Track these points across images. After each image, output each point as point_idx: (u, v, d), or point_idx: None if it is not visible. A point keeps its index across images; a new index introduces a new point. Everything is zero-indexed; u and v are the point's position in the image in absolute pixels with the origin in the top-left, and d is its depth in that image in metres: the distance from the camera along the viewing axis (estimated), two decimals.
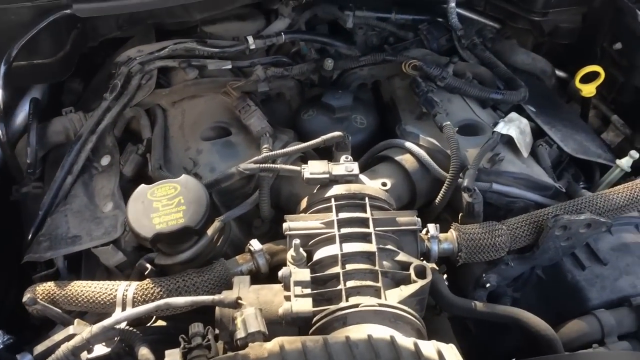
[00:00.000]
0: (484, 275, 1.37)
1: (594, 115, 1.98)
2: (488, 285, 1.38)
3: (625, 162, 1.52)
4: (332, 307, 1.08)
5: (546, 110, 1.74)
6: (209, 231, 1.30)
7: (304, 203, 1.36)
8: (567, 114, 1.80)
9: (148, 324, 1.28)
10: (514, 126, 1.51)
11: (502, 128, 1.49)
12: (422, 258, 1.32)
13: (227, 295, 1.12)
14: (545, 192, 1.46)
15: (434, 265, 1.36)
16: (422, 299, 1.20)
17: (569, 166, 1.66)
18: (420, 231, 1.30)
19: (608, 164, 1.60)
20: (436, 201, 1.43)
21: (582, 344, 1.27)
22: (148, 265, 1.27)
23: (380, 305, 1.08)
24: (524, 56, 1.87)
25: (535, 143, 1.58)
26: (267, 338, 1.04)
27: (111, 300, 1.21)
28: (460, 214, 1.40)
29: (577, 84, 1.76)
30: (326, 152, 1.44)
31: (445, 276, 1.40)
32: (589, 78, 1.78)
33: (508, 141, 1.50)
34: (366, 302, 1.08)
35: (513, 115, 1.59)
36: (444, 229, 1.35)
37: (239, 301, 1.10)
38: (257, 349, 0.98)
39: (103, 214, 1.39)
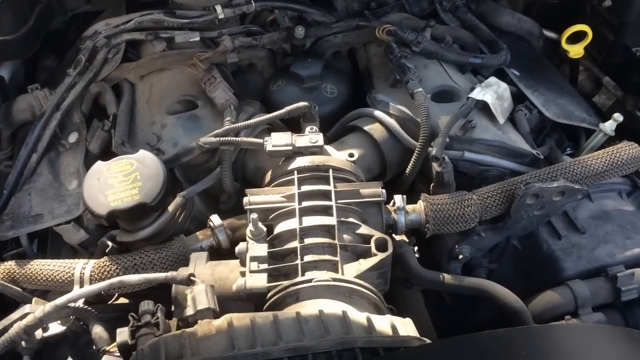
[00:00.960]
0: (456, 246, 1.33)
1: (586, 77, 1.90)
2: (461, 256, 1.33)
3: (608, 126, 1.45)
4: (285, 283, 1.05)
5: (530, 74, 1.67)
6: (170, 207, 1.27)
7: (267, 176, 1.32)
8: (553, 77, 1.72)
9: (109, 302, 1.26)
10: (491, 91, 1.45)
11: (477, 93, 1.43)
12: (390, 231, 1.29)
13: (180, 272, 1.10)
14: (522, 159, 1.40)
15: (404, 237, 1.32)
16: (385, 272, 1.17)
17: (553, 132, 1.59)
18: (386, 203, 1.26)
19: (593, 129, 1.53)
20: (406, 171, 1.38)
21: (554, 316, 1.23)
22: (109, 243, 1.25)
23: (334, 279, 1.05)
24: (509, 17, 1.79)
25: (514, 108, 1.51)
26: (217, 315, 1.02)
27: (69, 279, 1.20)
28: (432, 184, 1.35)
29: (564, 45, 1.68)
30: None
31: (416, 248, 1.36)
32: (577, 38, 1.70)
33: (484, 107, 1.44)
34: (320, 276, 1.05)
35: (491, 80, 1.52)
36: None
37: (192, 278, 1.08)
38: (205, 326, 0.96)
39: (68, 191, 1.38)
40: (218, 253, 1.25)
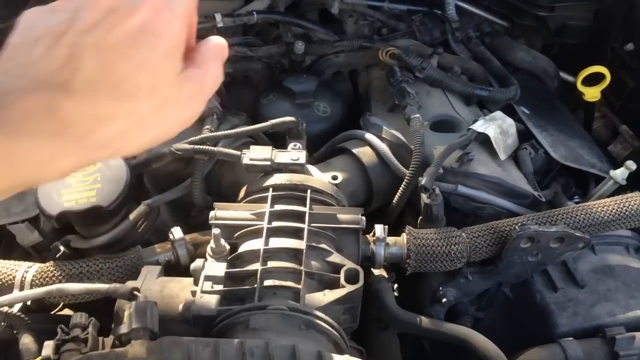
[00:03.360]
0: (441, 288, 1.21)
1: (602, 125, 1.78)
2: (445, 300, 1.21)
3: (619, 174, 1.33)
4: (236, 308, 0.94)
5: (541, 113, 1.56)
6: (132, 215, 1.18)
7: (242, 192, 1.22)
8: (566, 119, 1.61)
9: (53, 312, 1.16)
10: (495, 125, 1.34)
11: (479, 126, 1.32)
12: (369, 264, 1.17)
13: (124, 285, 0.99)
14: (521, 200, 1.28)
15: (384, 272, 1.21)
16: (353, 307, 1.05)
17: (560, 176, 1.47)
18: (366, 232, 1.15)
19: (603, 176, 1.41)
20: (394, 201, 1.27)
21: None
22: (62, 248, 1.15)
23: (291, 309, 0.93)
24: (524, 53, 1.69)
25: (519, 146, 1.40)
26: (155, 336, 0.91)
27: (11, 282, 1.10)
28: (420, 217, 1.24)
29: (580, 86, 1.57)
30: None
31: (396, 286, 1.24)
32: (594, 81, 1.59)
33: (485, 141, 1.33)
34: (276, 304, 0.94)
35: (497, 114, 1.42)
36: None
37: (134, 292, 0.98)
38: (137, 347, 0.86)
39: (30, 189, 1.29)
40: (177, 270, 1.15)
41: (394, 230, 1.19)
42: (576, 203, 1.41)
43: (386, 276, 1.20)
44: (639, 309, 1.16)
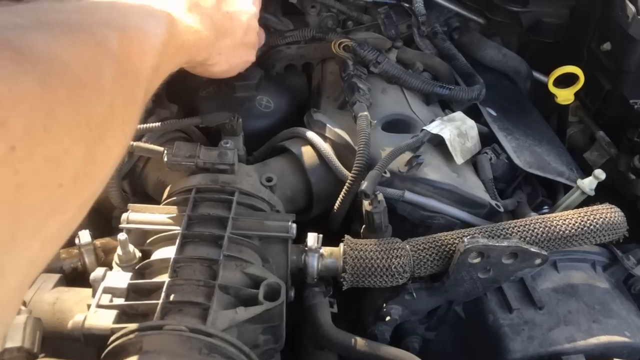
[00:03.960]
0: (384, 305, 1.09)
1: (579, 131, 1.65)
2: (389, 318, 1.09)
3: (587, 183, 1.21)
4: (130, 326, 0.81)
5: (508, 116, 1.44)
6: None
7: (165, 192, 1.10)
8: (535, 122, 1.49)
9: None
10: (452, 126, 1.22)
11: (434, 127, 1.20)
12: (305, 277, 1.05)
13: None
14: (477, 209, 1.16)
15: (320, 287, 1.09)
16: (275, 327, 0.93)
17: (526, 183, 1.35)
18: (296, 241, 1.03)
19: (572, 185, 1.28)
20: (334, 207, 1.15)
21: None
22: None
23: (192, 329, 0.81)
24: (494, 51, 1.57)
25: (479, 151, 1.28)
26: (33, 356, 0.79)
27: None
28: (363, 227, 1.11)
29: (551, 88, 1.45)
30: None
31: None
32: (568, 82, 1.47)
33: (441, 143, 1.21)
34: (173, 323, 0.82)
35: (457, 114, 1.30)
36: None
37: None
38: None
39: None
40: (85, 279, 1.02)
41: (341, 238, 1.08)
42: (544, 214, 1.30)
43: (322, 290, 1.08)
44: (601, 335, 1.05)
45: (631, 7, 1.33)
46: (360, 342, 1.00)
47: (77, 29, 0.51)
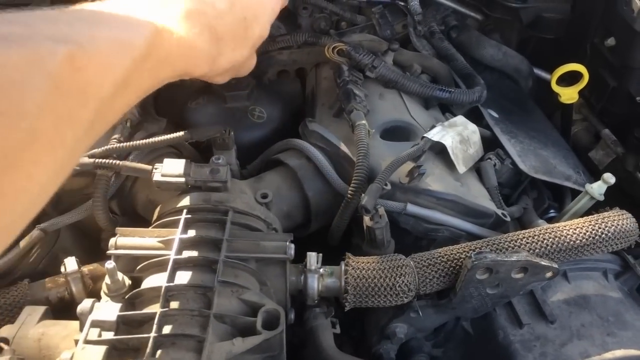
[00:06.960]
0: (390, 323, 1.04)
1: (583, 129, 1.60)
2: (394, 337, 1.04)
3: (596, 188, 1.16)
4: None
5: (511, 117, 1.39)
6: (23, 242, 1.00)
7: (155, 213, 1.05)
8: (539, 123, 1.44)
9: None
10: (454, 133, 1.17)
11: (435, 133, 1.15)
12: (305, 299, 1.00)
13: None
14: (482, 219, 1.11)
15: (321, 307, 1.04)
16: (274, 356, 0.87)
17: (532, 189, 1.30)
18: (295, 256, 0.98)
19: (580, 189, 1.23)
20: (334, 223, 1.10)
21: None
22: None
23: None
24: (494, 50, 1.52)
25: (483, 156, 1.23)
26: None
27: None
28: (364, 242, 1.06)
29: (555, 87, 1.40)
30: None
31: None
32: (572, 80, 1.42)
33: (442, 150, 1.16)
34: (170, 358, 0.77)
35: (458, 119, 1.25)
36: None
37: (0, 345, 0.80)
38: None
39: None
40: (73, 309, 0.97)
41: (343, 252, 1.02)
42: (551, 218, 1.26)
43: (324, 311, 1.03)
44: (616, 349, 1.00)
45: (636, 1, 1.28)
46: None
47: (16, 45, 0.46)
